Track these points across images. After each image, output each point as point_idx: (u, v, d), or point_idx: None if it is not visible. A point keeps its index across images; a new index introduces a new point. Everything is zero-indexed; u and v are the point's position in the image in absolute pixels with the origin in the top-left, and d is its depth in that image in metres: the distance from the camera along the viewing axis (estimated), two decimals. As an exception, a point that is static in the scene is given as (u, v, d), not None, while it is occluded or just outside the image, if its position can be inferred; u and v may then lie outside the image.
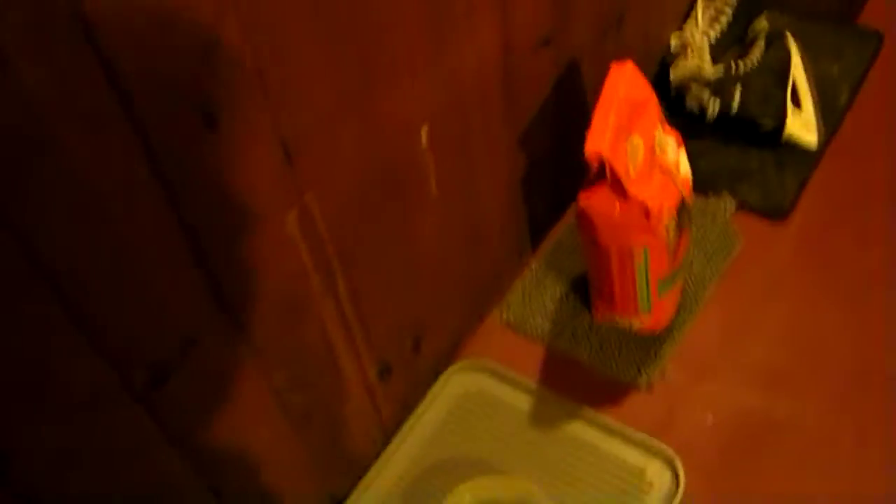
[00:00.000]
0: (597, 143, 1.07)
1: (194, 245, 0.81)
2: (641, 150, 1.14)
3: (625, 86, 1.14)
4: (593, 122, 1.09)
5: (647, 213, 1.13)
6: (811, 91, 1.64)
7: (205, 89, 0.75)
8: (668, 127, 1.22)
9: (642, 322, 1.33)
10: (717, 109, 1.57)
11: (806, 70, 1.66)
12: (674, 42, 1.65)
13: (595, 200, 1.13)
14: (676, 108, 1.60)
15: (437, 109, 1.06)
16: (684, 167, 1.22)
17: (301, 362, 1.04)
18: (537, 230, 1.47)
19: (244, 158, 0.82)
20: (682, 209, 1.19)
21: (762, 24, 1.68)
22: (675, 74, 1.62)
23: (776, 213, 1.51)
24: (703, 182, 1.52)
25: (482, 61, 1.10)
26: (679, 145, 1.23)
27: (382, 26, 0.92)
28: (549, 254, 1.48)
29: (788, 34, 1.67)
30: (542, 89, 1.27)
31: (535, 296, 1.44)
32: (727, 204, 1.51)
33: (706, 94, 1.58)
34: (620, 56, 1.14)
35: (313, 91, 0.87)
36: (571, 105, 1.27)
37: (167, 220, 0.77)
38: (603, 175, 1.11)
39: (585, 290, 1.37)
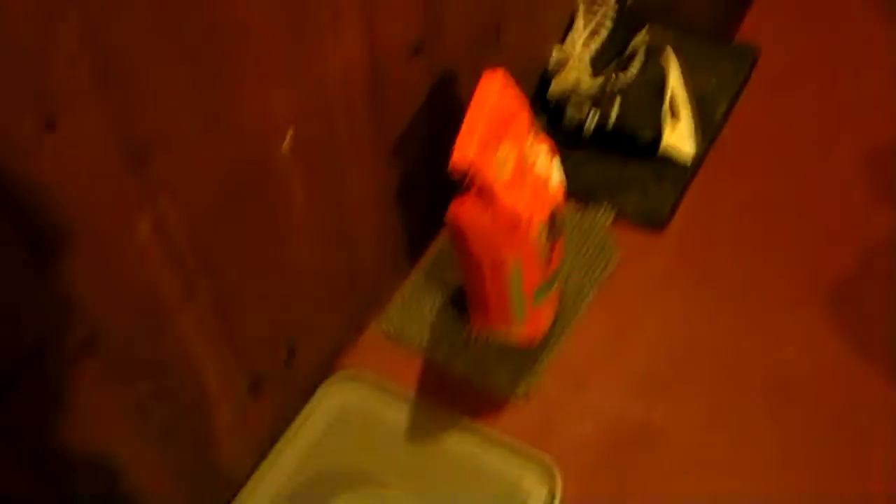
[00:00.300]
0: (463, 153, 1.07)
1: (37, 252, 0.78)
2: (512, 159, 1.14)
3: (496, 95, 1.14)
4: (461, 132, 1.09)
5: (517, 223, 1.13)
6: (689, 104, 1.67)
7: (43, 89, 0.72)
8: (541, 135, 1.23)
9: (519, 332, 1.33)
10: (595, 122, 1.59)
11: (684, 84, 1.69)
12: (554, 55, 1.66)
13: (464, 211, 1.13)
14: (557, 120, 1.62)
15: (302, 116, 1.04)
16: (557, 176, 1.23)
17: (162, 374, 1.01)
18: (417, 241, 1.46)
19: (86, 161, 0.79)
20: (554, 218, 1.20)
21: (642, 38, 1.71)
22: (556, 87, 1.63)
23: (654, 222, 1.53)
24: (583, 193, 1.54)
25: (349, 68, 1.09)
26: (552, 154, 1.23)
27: (240, 28, 0.90)
28: (430, 265, 1.48)
29: (668, 48, 1.70)
30: (414, 98, 1.27)
31: (415, 307, 1.43)
32: (606, 214, 1.53)
33: (585, 107, 1.60)
34: (500, 66, 1.14)
35: (164, 92, 0.84)
36: (446, 115, 1.27)
37: (6, 225, 0.74)
38: (472, 185, 1.11)
39: (464, 301, 1.36)
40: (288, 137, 1.03)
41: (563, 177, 1.23)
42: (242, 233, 1.04)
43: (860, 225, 1.55)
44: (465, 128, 1.09)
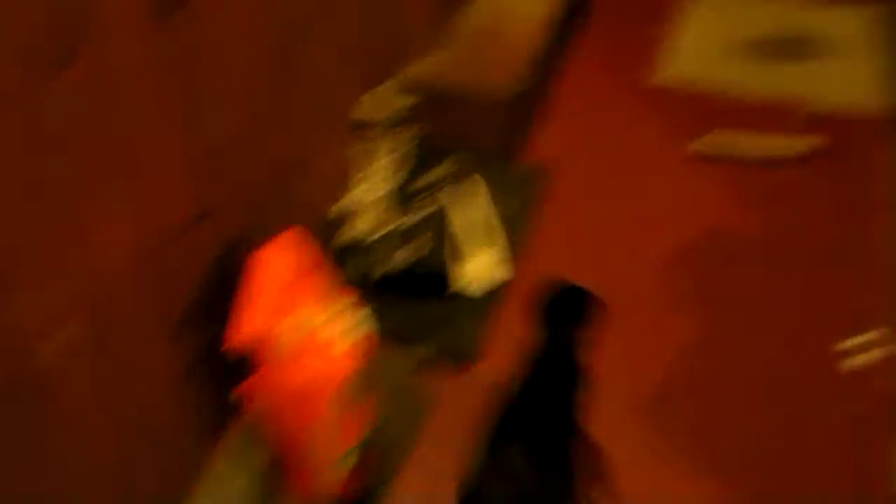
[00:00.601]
0: (240, 332, 1.03)
1: None
2: (306, 322, 1.11)
3: (284, 258, 1.11)
4: (239, 310, 1.04)
5: (308, 394, 1.09)
6: (492, 231, 1.69)
7: None
8: (341, 290, 1.20)
9: (331, 497, 1.27)
10: (396, 264, 1.58)
11: (485, 210, 1.71)
12: (346, 202, 1.65)
13: (253, 389, 1.08)
14: (354, 267, 1.60)
15: (77, 307, 0.98)
16: (361, 331, 1.19)
17: None
18: (220, 419, 1.38)
19: None
20: (356, 378, 1.16)
21: (441, 171, 1.72)
22: (350, 234, 1.62)
23: (463, 358, 1.52)
24: (392, 337, 1.51)
25: (124, 252, 1.04)
26: (356, 307, 1.21)
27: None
28: (236, 442, 1.40)
29: (473, 178, 1.73)
30: (202, 270, 1.21)
31: (224, 487, 1.35)
32: (417, 357, 1.51)
33: (392, 247, 1.59)
34: (290, 223, 1.11)
35: None
36: (236, 284, 1.22)
37: None
38: (259, 361, 1.07)
39: (274, 474, 1.30)
40: (59, 337, 0.96)
41: (370, 330, 1.20)
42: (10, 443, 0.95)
43: (660, 331, 1.61)
44: (244, 303, 1.04)
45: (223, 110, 1.20)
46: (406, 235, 1.59)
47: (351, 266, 1.58)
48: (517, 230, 1.70)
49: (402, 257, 1.57)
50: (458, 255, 1.57)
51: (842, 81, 2.19)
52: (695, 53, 2.28)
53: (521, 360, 1.27)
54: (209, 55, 1.16)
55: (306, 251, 1.14)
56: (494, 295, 1.59)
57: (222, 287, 1.24)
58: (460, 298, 1.58)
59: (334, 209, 1.62)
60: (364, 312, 1.22)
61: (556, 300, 1.32)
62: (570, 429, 1.26)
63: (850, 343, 1.58)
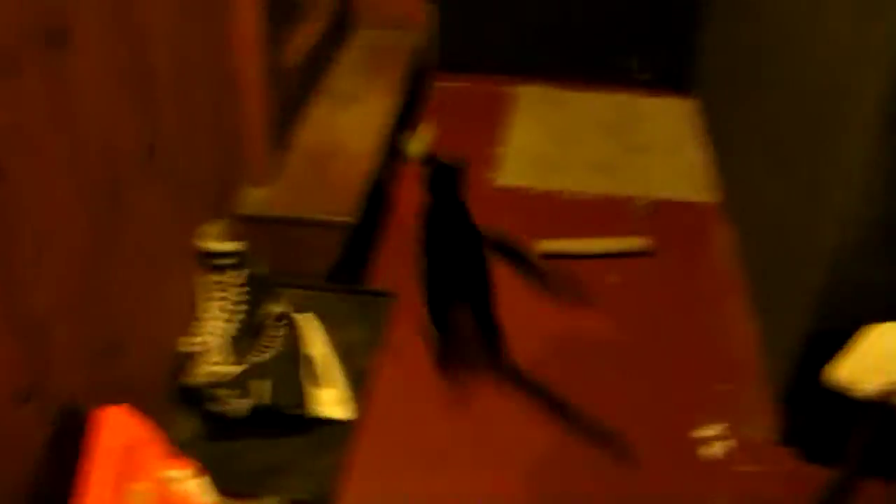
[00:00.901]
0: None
1: None
2: (148, 496, 1.05)
3: (116, 435, 1.06)
4: (81, 484, 0.98)
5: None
6: (335, 363, 1.66)
7: None
8: (179, 461, 1.15)
9: None
10: (243, 406, 1.53)
11: (327, 344, 1.69)
12: (189, 343, 1.60)
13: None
14: (205, 411, 1.54)
15: None
16: (205, 499, 1.14)
17: None
18: None
19: None
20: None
21: (278, 306, 1.69)
22: (194, 377, 1.56)
23: (321, 501, 1.47)
24: (245, 484, 1.45)
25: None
26: (197, 475, 1.15)
27: None
28: None
29: (305, 312, 1.70)
30: (31, 451, 1.14)
31: None
32: (273, 505, 1.45)
33: (230, 393, 1.54)
34: (127, 384, 1.05)
35: None
36: (70, 463, 1.15)
37: None
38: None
39: None
40: None
41: (213, 497, 1.15)
42: None
43: (521, 441, 1.60)
44: (79, 489, 0.98)
45: (46, 272, 1.14)
46: (248, 376, 1.55)
47: (197, 408, 1.52)
48: (361, 363, 1.68)
49: (245, 399, 1.52)
50: (300, 397, 1.54)
51: (670, 174, 2.28)
52: (530, 156, 2.34)
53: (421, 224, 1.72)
54: (26, 217, 1.11)
55: (140, 425, 1.09)
56: (342, 435, 1.55)
57: (60, 462, 1.17)
58: (317, 435, 1.53)
59: (183, 346, 1.57)
60: (204, 479, 1.17)
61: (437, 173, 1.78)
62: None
63: (706, 431, 1.61)
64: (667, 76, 2.60)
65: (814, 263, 1.41)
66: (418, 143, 1.95)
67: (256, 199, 1.87)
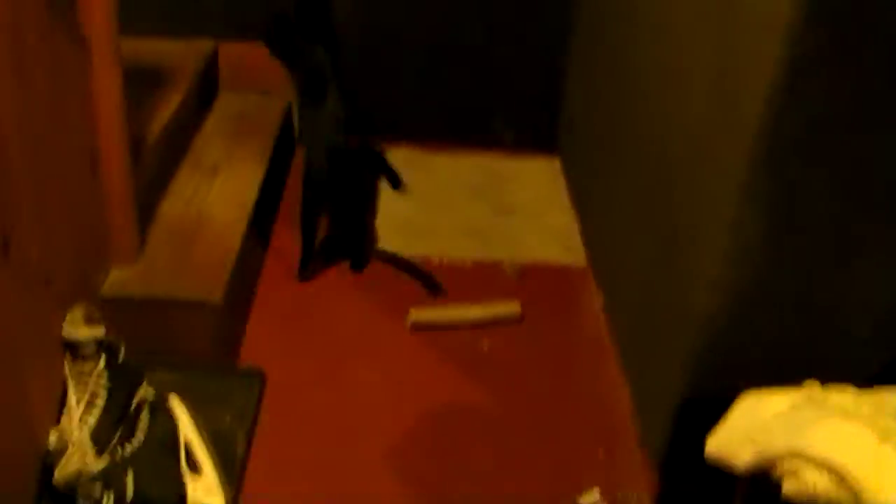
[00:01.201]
0: None
1: None
2: None
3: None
4: None
5: None
6: (207, 450, 1.60)
7: None
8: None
9: None
10: (112, 502, 1.46)
11: (198, 429, 1.63)
12: (52, 439, 1.52)
13: None
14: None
15: None
16: None
17: None
18: None
19: None
20: None
21: (143, 392, 1.63)
22: (61, 474, 1.48)
23: None
24: None
25: None
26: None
27: None
28: None
29: (172, 397, 1.64)
30: None
31: None
32: None
33: (97, 489, 1.46)
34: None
35: None
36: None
37: None
38: None
39: None
40: None
41: None
42: None
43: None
44: None
45: None
46: (114, 469, 1.48)
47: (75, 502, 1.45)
48: (232, 447, 1.63)
49: (112, 494, 1.45)
50: (170, 487, 1.48)
51: (538, 236, 2.31)
52: (398, 221, 2.34)
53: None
54: None
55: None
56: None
57: None
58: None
59: (51, 439, 1.49)
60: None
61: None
62: None
63: (583, 498, 1.62)
64: (531, 136, 2.65)
65: (684, 328, 1.44)
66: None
67: (120, 279, 1.80)
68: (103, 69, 1.63)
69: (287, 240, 2.23)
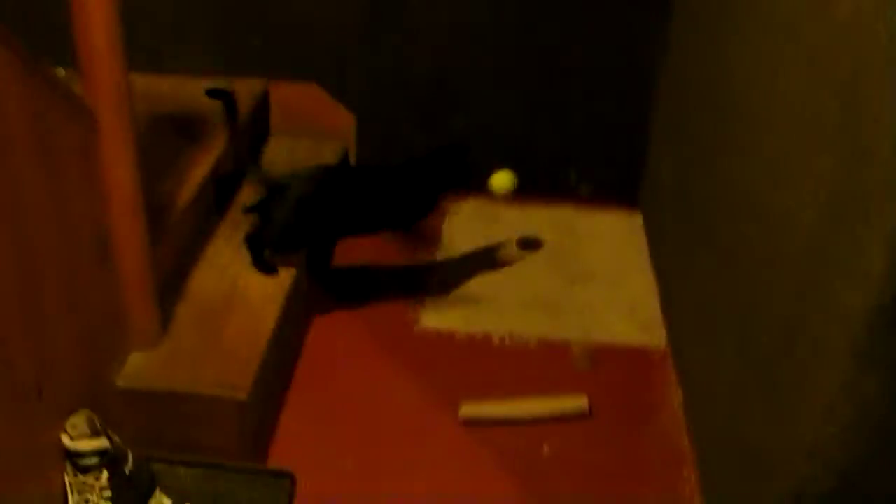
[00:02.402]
0: None
1: None
2: None
3: None
4: None
5: None
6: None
7: None
8: None
9: None
10: None
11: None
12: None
13: None
14: None
15: None
16: None
17: None
18: None
19: None
20: None
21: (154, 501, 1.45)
22: None
23: None
24: None
25: None
26: None
27: None
28: None
29: (190, 499, 1.46)
30: None
31: None
32: None
33: None
34: None
35: None
36: None
37: None
38: None
39: None
40: None
41: None
42: None
43: None
44: None
45: None
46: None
47: None
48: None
49: None
50: None
51: (613, 310, 2.06)
52: (455, 294, 2.11)
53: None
54: None
55: None
56: None
57: None
58: None
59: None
60: None
61: None
62: None
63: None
64: (611, 188, 2.40)
65: (785, 446, 1.18)
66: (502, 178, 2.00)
67: (139, 368, 1.62)
68: (112, 142, 1.44)
69: (333, 314, 2.02)
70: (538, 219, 2.34)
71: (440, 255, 2.20)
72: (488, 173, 2.34)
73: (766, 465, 1.23)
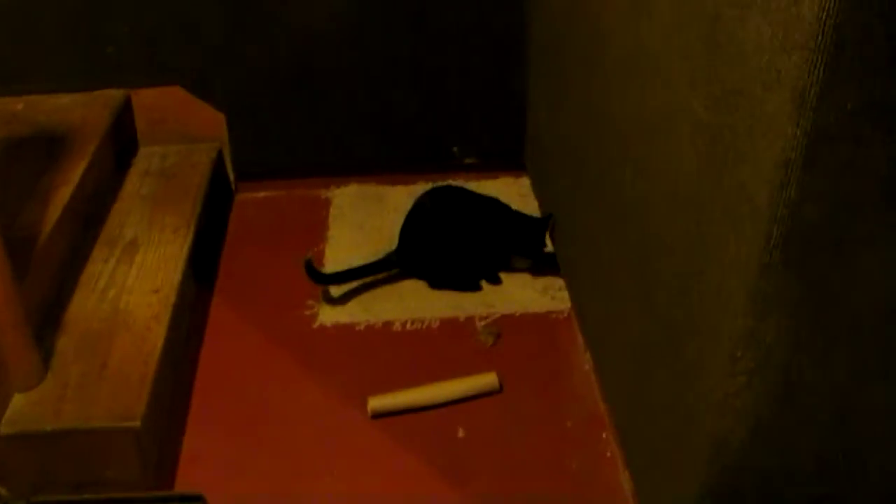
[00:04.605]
0: None
1: None
2: None
3: None
4: None
5: None
6: None
7: None
8: None
9: None
10: None
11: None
12: None
13: None
14: None
15: None
16: None
17: None
18: None
19: None
20: None
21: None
22: None
23: None
24: None
25: None
26: None
27: None
28: None
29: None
30: None
31: None
32: None
33: None
34: None
35: None
36: None
37: None
38: None
39: None
40: None
41: None
42: None
43: None
44: None
45: None
46: None
47: None
48: None
49: None
50: None
51: (510, 279, 2.03)
52: (350, 286, 2.05)
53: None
54: None
55: None
56: None
57: None
58: None
59: None
60: None
61: None
62: None
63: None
64: (496, 155, 2.36)
65: (696, 400, 1.16)
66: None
67: (23, 410, 1.53)
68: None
69: (228, 319, 1.94)
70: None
71: (329, 246, 2.13)
72: (368, 154, 2.29)
73: (681, 421, 1.21)
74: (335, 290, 2.00)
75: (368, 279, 2.01)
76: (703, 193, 1.07)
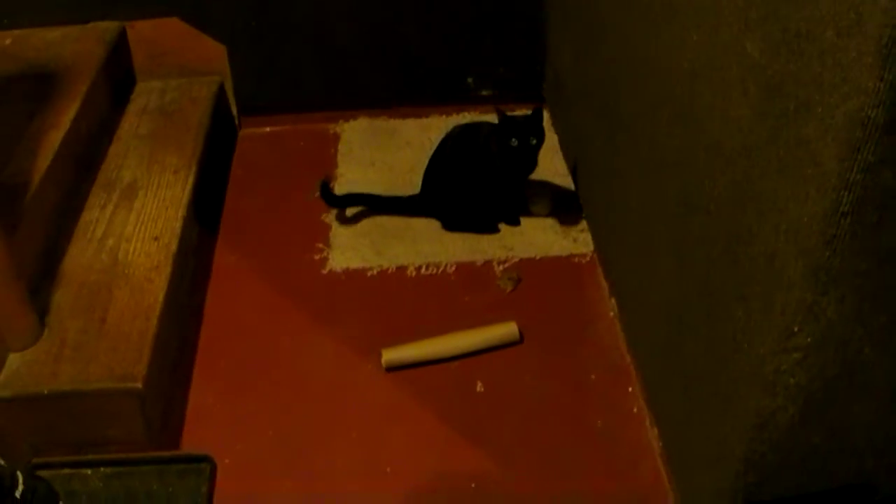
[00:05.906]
0: None
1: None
2: None
3: None
4: None
5: None
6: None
7: None
8: None
9: None
10: None
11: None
12: None
13: None
14: None
15: None
16: None
17: None
18: None
19: None
20: None
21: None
22: None
23: None
24: None
25: None
26: None
27: None
28: None
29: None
30: None
31: None
32: None
33: None
34: None
35: None
36: None
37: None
38: None
39: None
40: None
41: None
42: None
43: None
44: None
45: None
46: None
47: None
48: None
49: None
50: None
51: (529, 220, 1.93)
52: (363, 221, 1.95)
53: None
54: None
55: None
56: None
57: None
58: None
59: None
60: None
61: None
62: None
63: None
64: (513, 87, 2.24)
65: (739, 373, 1.07)
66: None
67: (19, 370, 1.45)
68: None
69: (233, 266, 1.85)
70: (439, 128, 2.17)
71: (338, 184, 2.03)
72: (378, 86, 2.17)
73: (720, 391, 1.11)
74: (349, 211, 1.92)
75: (383, 217, 1.91)
76: (755, 148, 0.96)
